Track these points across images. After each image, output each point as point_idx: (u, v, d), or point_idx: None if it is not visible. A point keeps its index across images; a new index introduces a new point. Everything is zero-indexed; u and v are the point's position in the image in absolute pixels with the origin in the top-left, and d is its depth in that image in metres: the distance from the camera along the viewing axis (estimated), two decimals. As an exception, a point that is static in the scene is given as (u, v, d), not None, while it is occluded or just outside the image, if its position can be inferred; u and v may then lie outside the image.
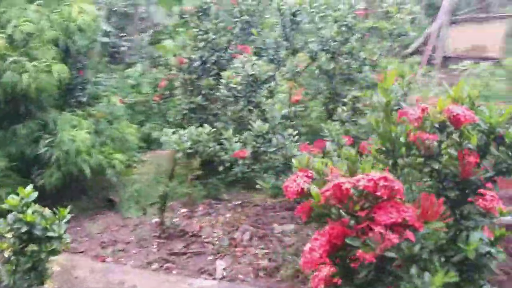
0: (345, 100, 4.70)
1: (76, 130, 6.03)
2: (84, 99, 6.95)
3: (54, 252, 2.88)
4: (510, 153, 1.96)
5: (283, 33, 5.51)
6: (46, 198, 4.10)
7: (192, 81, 6.47)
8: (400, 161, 2.08)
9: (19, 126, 5.83)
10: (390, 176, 1.81)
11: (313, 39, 5.24)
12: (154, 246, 5.51)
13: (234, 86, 4.39)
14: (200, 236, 5.67)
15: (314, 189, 2.06)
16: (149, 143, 8.16)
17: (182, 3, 8.36)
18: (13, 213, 2.84)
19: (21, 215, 2.78)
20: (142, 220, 6.25)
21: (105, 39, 9.15)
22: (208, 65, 6.47)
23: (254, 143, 4.18)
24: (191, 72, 6.55)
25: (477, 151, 1.96)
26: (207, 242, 5.53)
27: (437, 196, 1.88)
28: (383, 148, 2.12)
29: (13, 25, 5.70)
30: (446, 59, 11.05)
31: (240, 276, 4.85)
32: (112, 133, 6.72)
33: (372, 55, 4.85)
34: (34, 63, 5.67)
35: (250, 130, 4.36)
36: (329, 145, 3.70)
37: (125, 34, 10.52)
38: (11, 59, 5.53)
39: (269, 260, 5.07)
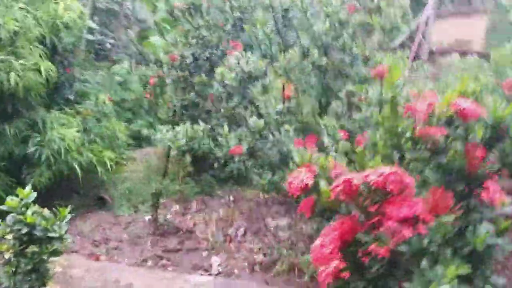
0: (339, 95, 4.72)
1: (65, 128, 5.96)
2: (72, 97, 6.89)
3: (55, 253, 2.85)
4: (515, 146, 2.00)
5: (275, 29, 5.52)
6: (36, 197, 4.05)
7: (184, 78, 6.43)
8: (406, 155, 2.11)
9: (7, 126, 5.73)
10: (400, 170, 1.84)
11: (305, 35, 5.27)
12: (148, 244, 5.48)
13: (229, 82, 4.39)
14: (194, 232, 5.66)
15: (323, 185, 2.08)
16: (139, 140, 8.10)
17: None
18: (12, 214, 2.80)
19: (21, 217, 2.74)
20: (134, 217, 6.21)
21: (90, 37, 9.04)
22: (200, 62, 6.43)
23: (250, 139, 4.18)
24: (183, 69, 6.51)
25: (483, 145, 2.00)
26: (202, 239, 5.52)
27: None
28: (389, 143, 2.14)
29: (-2, 24, 5.59)
30: (432, 53, 11.17)
31: (236, 271, 4.87)
32: (100, 131, 6.66)
33: (364, 50, 4.89)
34: (21, 61, 5.57)
35: (244, 126, 4.35)
36: (326, 140, 3.71)
37: (110, 31, 10.39)
38: (-3, 58, 5.43)
39: (264, 255, 5.09)
